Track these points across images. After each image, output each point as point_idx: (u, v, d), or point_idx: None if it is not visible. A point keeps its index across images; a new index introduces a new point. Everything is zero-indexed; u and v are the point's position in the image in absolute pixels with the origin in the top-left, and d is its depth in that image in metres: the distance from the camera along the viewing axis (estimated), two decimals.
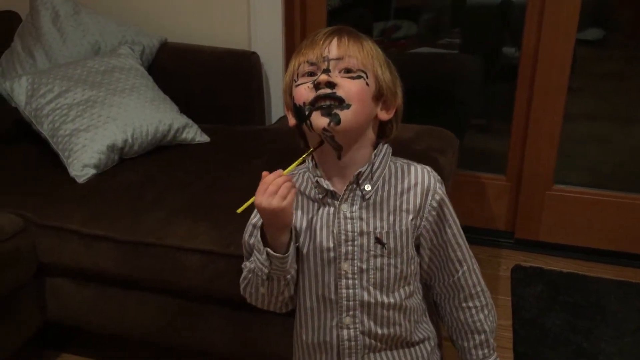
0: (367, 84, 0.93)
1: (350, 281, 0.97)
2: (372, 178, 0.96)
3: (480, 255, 2.10)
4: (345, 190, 0.96)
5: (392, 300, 0.99)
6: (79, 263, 1.48)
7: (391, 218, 0.96)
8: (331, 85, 0.90)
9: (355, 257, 0.97)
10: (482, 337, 1.06)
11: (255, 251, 0.97)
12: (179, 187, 1.58)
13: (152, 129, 1.72)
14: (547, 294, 1.87)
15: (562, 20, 1.88)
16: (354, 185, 0.96)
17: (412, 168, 0.99)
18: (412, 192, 0.97)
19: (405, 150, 1.74)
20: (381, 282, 0.98)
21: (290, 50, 2.06)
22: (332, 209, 0.97)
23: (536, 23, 1.93)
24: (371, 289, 0.98)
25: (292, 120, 0.98)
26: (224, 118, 1.98)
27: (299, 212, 1.00)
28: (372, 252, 0.97)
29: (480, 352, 1.07)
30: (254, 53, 1.99)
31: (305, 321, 1.04)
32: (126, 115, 1.70)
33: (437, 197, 0.98)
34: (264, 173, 0.92)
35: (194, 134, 1.83)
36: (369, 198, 0.96)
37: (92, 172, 1.62)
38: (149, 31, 2.03)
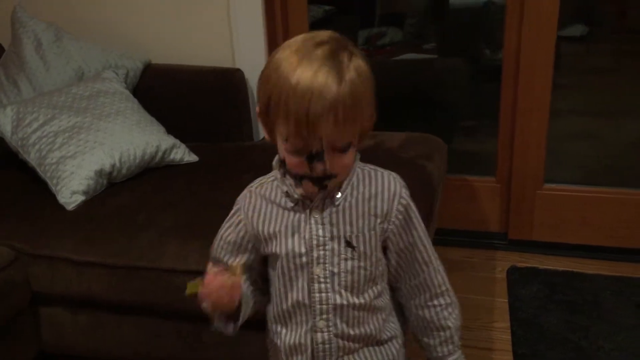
0: (354, 146, 0.93)
1: (322, 285, 1.00)
2: (340, 185, 0.98)
3: (475, 258, 2.11)
4: (315, 199, 0.98)
5: (362, 301, 1.02)
6: (72, 290, 1.48)
7: (360, 222, 0.99)
8: (327, 174, 0.92)
9: (327, 261, 0.99)
10: (447, 333, 1.08)
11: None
12: (169, 208, 1.58)
13: (139, 152, 1.73)
14: (543, 294, 1.87)
15: (543, 18, 1.89)
16: (324, 193, 0.98)
17: (379, 174, 1.02)
18: (379, 198, 1.00)
19: (392, 159, 1.74)
20: (352, 284, 1.00)
21: None
22: (302, 215, 0.99)
23: (517, 22, 1.94)
24: (342, 291, 1.00)
25: (268, 137, 0.98)
26: (211, 136, 1.99)
27: (269, 220, 1.02)
28: (342, 256, 0.99)
29: (445, 349, 1.08)
30: (238, 70, 1.99)
31: (281, 325, 1.06)
32: (113, 140, 1.71)
33: (403, 202, 1.01)
34: (208, 272, 0.94)
35: (182, 154, 1.83)
36: (339, 204, 0.99)
37: (81, 198, 1.62)
38: (132, 54, 2.04)
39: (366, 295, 1.02)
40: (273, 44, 2.06)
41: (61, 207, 1.61)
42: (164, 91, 2.01)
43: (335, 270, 0.99)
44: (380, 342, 1.06)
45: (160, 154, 1.78)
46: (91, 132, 1.71)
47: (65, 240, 1.49)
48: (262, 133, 2.07)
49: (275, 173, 1.02)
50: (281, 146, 0.94)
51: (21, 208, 1.64)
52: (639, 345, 1.64)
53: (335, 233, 0.99)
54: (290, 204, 1.00)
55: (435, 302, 1.07)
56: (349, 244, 0.99)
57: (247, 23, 2.00)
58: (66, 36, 1.98)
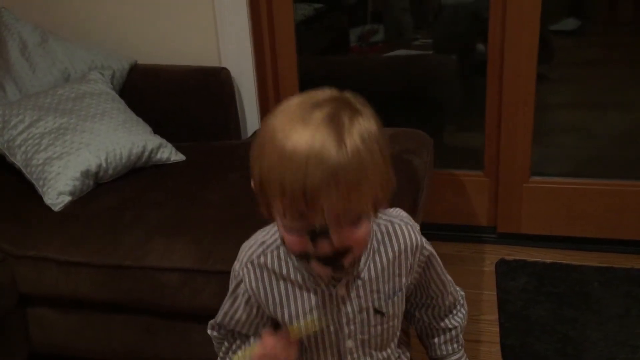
0: (368, 217, 0.81)
1: (355, 355, 0.96)
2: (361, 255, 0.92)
3: (464, 252, 2.12)
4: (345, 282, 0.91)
5: (389, 351, 1.00)
6: (59, 291, 1.49)
7: (387, 287, 0.94)
8: (336, 253, 0.79)
9: (357, 332, 0.94)
10: (453, 333, 1.08)
11: None
12: (155, 207, 1.59)
13: (125, 152, 1.73)
14: (531, 286, 1.87)
15: (525, 11, 1.89)
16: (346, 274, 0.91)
17: (397, 228, 0.94)
18: (403, 256, 0.94)
19: None
20: (381, 343, 0.98)
21: (260, 62, 2.07)
22: (325, 292, 0.91)
23: (500, 16, 1.94)
24: (372, 352, 0.98)
25: (265, 212, 0.84)
26: (198, 135, 1.99)
27: (285, 302, 0.92)
28: (372, 323, 0.95)
29: (449, 347, 1.08)
30: (224, 68, 2.00)
31: None
32: (99, 140, 1.71)
33: (426, 253, 0.97)
34: (265, 333, 0.89)
35: (168, 153, 1.83)
36: (363, 276, 0.92)
37: (67, 199, 1.62)
38: (118, 54, 2.04)
39: (392, 345, 1.00)
40: (259, 41, 2.07)
41: (48, 208, 1.61)
42: (150, 91, 2.02)
43: (366, 337, 0.95)
44: None
45: (146, 153, 1.78)
46: (77, 133, 1.71)
47: (52, 241, 1.50)
48: (249, 131, 2.10)
49: (278, 239, 0.91)
50: (279, 222, 0.82)
51: (8, 210, 1.64)
52: (627, 335, 1.65)
53: (363, 305, 0.93)
54: (309, 283, 0.90)
55: (442, 314, 1.07)
56: (378, 311, 0.94)
57: (232, 22, 2.00)
58: (52, 38, 1.98)
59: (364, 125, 0.77)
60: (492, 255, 2.08)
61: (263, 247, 0.92)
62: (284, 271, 0.90)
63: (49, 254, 1.46)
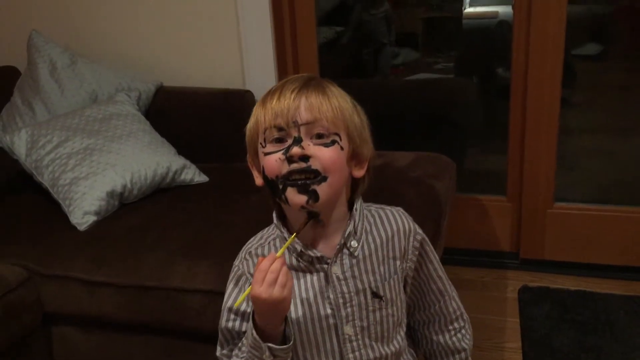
0: (342, 148, 0.89)
1: (354, 343, 0.95)
2: (355, 233, 0.94)
3: (486, 278, 2.10)
4: (335, 253, 0.93)
5: (392, 349, 0.99)
6: (83, 310, 1.50)
7: (382, 268, 0.95)
8: (305, 158, 0.86)
9: (356, 317, 0.94)
10: (462, 355, 1.08)
11: (250, 348, 0.89)
12: (178, 228, 1.60)
13: (150, 173, 1.75)
14: (555, 313, 1.85)
15: (549, 37, 1.90)
16: (341, 245, 0.93)
17: (388, 213, 0.99)
18: (396, 238, 0.97)
19: (401, 177, 1.75)
20: (382, 334, 0.97)
21: None
22: (321, 274, 0.94)
23: (524, 41, 1.95)
24: (374, 344, 0.96)
25: (259, 180, 0.93)
26: (222, 157, 2.01)
27: None
28: (370, 308, 0.95)
29: None
30: (248, 91, 2.02)
31: None
32: (124, 161, 1.73)
33: (419, 237, 0.99)
34: (260, 259, 0.85)
35: (192, 174, 1.85)
36: (357, 254, 0.94)
37: (92, 219, 1.64)
38: (144, 77, 2.08)
39: (395, 342, 0.99)
40: (283, 65, 2.09)
41: (73, 228, 1.63)
42: (175, 113, 2.04)
43: (365, 324, 0.95)
44: None
45: (170, 174, 1.80)
46: (103, 154, 1.74)
47: (77, 260, 1.51)
48: None
49: (275, 232, 0.96)
50: (262, 156, 0.89)
51: (34, 229, 1.67)
52: None
53: (360, 286, 0.94)
54: (303, 264, 0.94)
55: (450, 327, 1.06)
56: (375, 294, 0.94)
57: (257, 45, 2.03)
58: (80, 60, 2.03)
59: (338, 89, 0.92)
60: (514, 281, 2.06)
61: (261, 240, 0.99)
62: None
63: (74, 274, 1.48)
